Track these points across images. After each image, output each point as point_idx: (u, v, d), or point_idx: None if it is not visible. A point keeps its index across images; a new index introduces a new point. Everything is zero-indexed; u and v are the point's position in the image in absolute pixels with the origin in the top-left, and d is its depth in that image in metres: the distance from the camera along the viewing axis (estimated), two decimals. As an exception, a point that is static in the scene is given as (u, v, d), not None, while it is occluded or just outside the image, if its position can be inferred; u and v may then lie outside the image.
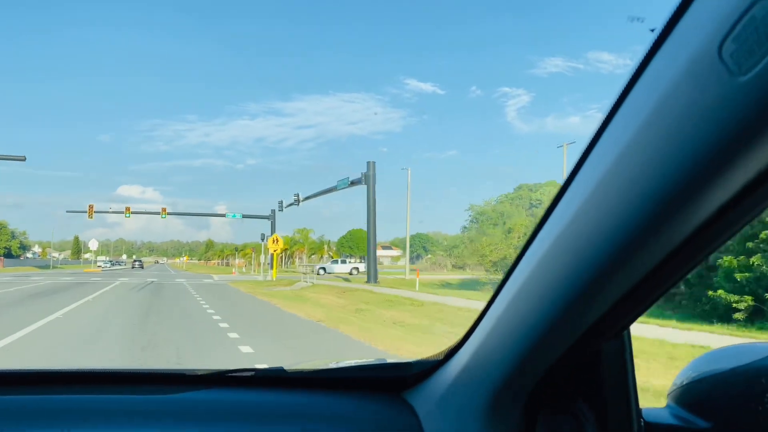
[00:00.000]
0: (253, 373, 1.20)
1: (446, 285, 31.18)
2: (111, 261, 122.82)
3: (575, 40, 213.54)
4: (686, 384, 0.96)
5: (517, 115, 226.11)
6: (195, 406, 1.11)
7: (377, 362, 1.32)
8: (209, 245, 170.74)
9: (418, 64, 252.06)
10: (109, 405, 1.10)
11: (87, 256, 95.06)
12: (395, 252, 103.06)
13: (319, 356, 8.13)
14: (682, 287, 15.63)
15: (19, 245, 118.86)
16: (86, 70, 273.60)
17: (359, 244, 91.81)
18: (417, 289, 24.41)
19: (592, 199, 0.63)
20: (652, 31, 0.54)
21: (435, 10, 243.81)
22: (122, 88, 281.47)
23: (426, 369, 1.12)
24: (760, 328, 11.85)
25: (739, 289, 12.76)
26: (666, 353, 7.82)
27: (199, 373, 1.19)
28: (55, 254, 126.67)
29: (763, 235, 12.39)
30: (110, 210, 58.24)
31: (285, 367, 1.23)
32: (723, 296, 12.93)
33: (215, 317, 13.18)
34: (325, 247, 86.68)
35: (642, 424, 0.88)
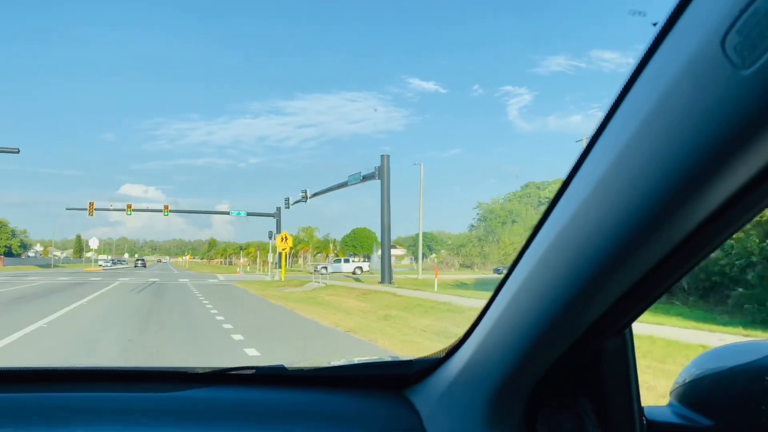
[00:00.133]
0: (253, 371, 1.20)
1: (461, 285, 29.29)
2: (113, 260, 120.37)
3: (577, 39, 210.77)
4: (688, 382, 0.95)
5: (520, 113, 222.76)
6: (195, 404, 1.11)
7: (378, 360, 1.34)
8: (212, 244, 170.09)
9: (420, 63, 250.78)
10: (109, 403, 1.10)
11: (89, 255, 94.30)
12: (399, 251, 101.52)
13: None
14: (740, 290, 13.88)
15: (19, 244, 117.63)
16: (89, 69, 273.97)
17: (363, 243, 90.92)
18: (435, 289, 23.05)
19: (593, 196, 0.62)
20: (654, 25, 0.53)
21: (437, 9, 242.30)
22: (125, 87, 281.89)
23: (427, 367, 1.11)
24: None
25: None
26: None
27: (200, 371, 1.18)
28: (57, 253, 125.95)
29: None
30: (111, 207, 56.49)
31: (286, 365, 1.22)
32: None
33: (226, 326, 11.25)
34: (331, 245, 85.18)
35: (644, 422, 0.88)
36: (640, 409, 0.86)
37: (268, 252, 44.56)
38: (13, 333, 9.56)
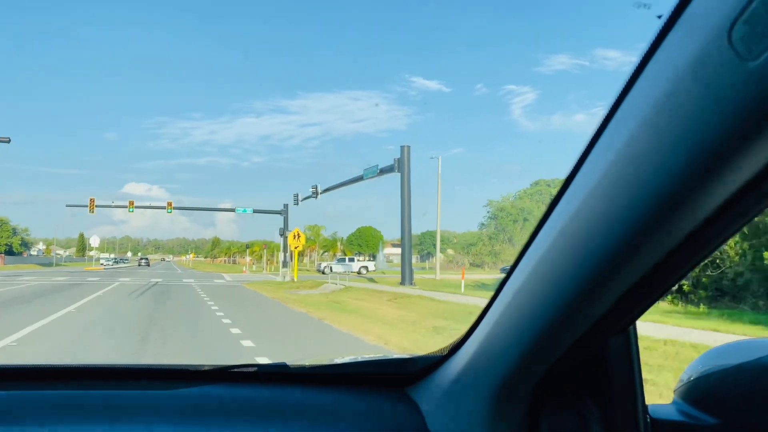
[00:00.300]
0: (256, 368, 1.20)
1: (482, 286, 26.87)
2: (115, 258, 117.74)
3: (581, 38, 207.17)
4: (693, 380, 0.95)
5: (523, 112, 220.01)
6: (198, 401, 1.11)
7: (380, 358, 1.33)
8: (215, 243, 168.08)
9: (423, 62, 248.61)
10: (112, 400, 1.10)
11: (92, 253, 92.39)
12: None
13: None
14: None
15: (20, 242, 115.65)
16: (90, 69, 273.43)
17: (368, 242, 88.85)
18: (463, 291, 21.03)
19: (595, 194, 0.61)
20: (659, 17, 0.52)
21: (439, 8, 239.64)
22: (125, 87, 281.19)
23: (429, 365, 1.10)
24: None
25: None
26: None
27: (203, 369, 1.18)
28: (60, 251, 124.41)
29: None
30: (113, 204, 54.22)
31: (288, 363, 1.22)
32: None
33: (245, 343, 8.90)
34: (339, 244, 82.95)
35: (648, 420, 0.87)
36: (645, 407, 0.86)
37: (275, 250, 42.22)
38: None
